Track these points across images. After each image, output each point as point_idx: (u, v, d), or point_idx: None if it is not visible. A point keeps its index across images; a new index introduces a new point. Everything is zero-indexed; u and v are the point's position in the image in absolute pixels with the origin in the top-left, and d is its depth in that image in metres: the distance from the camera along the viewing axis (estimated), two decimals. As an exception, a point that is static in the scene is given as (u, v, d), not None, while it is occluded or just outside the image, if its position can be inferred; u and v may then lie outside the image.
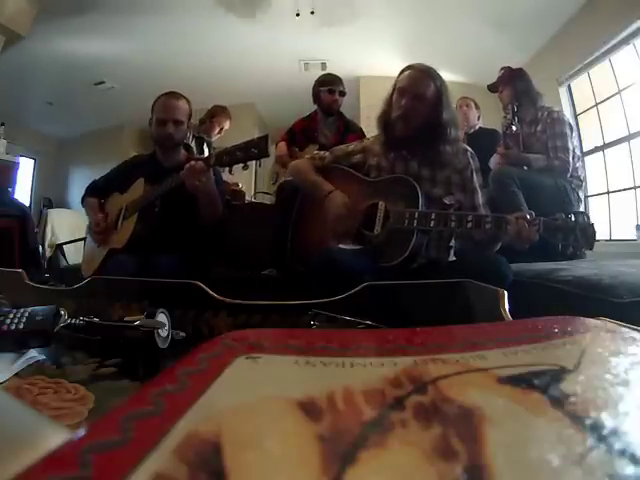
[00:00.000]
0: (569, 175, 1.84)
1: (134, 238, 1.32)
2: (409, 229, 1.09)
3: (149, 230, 1.33)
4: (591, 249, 1.01)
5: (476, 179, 1.23)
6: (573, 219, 1.00)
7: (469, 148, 1.27)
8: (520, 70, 2.09)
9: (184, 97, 1.44)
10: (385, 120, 1.24)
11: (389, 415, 0.15)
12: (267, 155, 1.17)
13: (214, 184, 1.28)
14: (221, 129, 2.67)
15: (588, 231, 0.98)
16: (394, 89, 1.23)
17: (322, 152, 1.36)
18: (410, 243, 1.08)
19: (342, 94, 2.19)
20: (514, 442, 0.13)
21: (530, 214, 1.02)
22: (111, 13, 2.97)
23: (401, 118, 1.18)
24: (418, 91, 1.17)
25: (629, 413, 0.14)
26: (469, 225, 1.05)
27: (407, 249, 1.07)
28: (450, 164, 1.21)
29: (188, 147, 1.71)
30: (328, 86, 2.17)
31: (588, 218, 1.00)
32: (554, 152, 1.84)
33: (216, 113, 2.65)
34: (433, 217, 1.07)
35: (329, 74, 2.29)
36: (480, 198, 1.22)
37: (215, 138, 2.68)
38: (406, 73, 1.21)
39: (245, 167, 1.15)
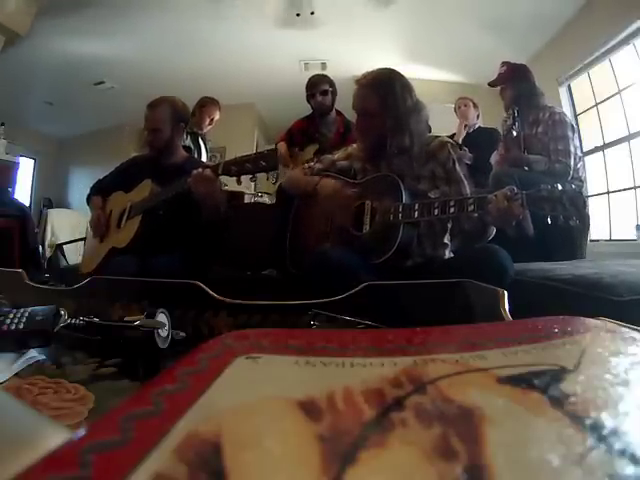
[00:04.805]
0: (570, 177, 1.83)
1: (137, 239, 1.33)
2: (395, 223, 1.10)
3: (152, 232, 1.34)
4: (582, 220, 0.93)
5: (459, 169, 1.21)
6: (560, 188, 0.92)
7: (448, 139, 1.26)
8: (522, 68, 2.02)
9: (165, 101, 1.50)
10: None
11: (389, 415, 0.15)
12: (276, 169, 1.21)
13: (220, 192, 1.31)
14: (211, 120, 2.62)
15: (577, 200, 0.91)
16: None
17: (311, 163, 1.41)
18: (397, 236, 1.09)
19: (324, 93, 2.17)
20: (514, 442, 0.13)
21: (511, 189, 0.98)
22: (111, 13, 2.96)
23: (358, 138, 1.25)
24: (361, 106, 1.21)
25: (629, 413, 0.14)
26: (452, 210, 1.03)
27: (395, 243, 1.09)
28: (432, 158, 1.21)
29: (189, 149, 1.73)
30: (308, 91, 2.19)
31: (577, 186, 0.91)
32: (555, 155, 1.82)
33: (205, 103, 2.60)
34: (417, 207, 1.08)
35: (312, 76, 2.28)
36: (467, 187, 1.20)
37: (206, 129, 2.63)
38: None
39: (253, 178, 1.16)
